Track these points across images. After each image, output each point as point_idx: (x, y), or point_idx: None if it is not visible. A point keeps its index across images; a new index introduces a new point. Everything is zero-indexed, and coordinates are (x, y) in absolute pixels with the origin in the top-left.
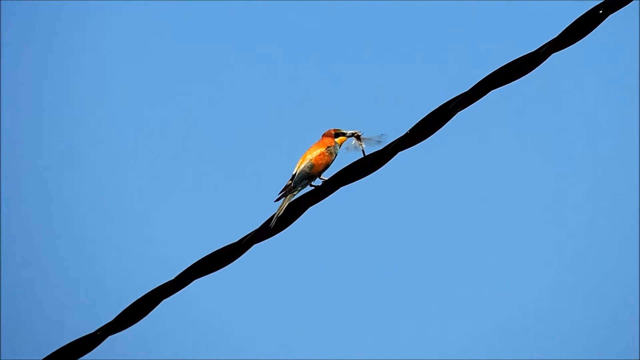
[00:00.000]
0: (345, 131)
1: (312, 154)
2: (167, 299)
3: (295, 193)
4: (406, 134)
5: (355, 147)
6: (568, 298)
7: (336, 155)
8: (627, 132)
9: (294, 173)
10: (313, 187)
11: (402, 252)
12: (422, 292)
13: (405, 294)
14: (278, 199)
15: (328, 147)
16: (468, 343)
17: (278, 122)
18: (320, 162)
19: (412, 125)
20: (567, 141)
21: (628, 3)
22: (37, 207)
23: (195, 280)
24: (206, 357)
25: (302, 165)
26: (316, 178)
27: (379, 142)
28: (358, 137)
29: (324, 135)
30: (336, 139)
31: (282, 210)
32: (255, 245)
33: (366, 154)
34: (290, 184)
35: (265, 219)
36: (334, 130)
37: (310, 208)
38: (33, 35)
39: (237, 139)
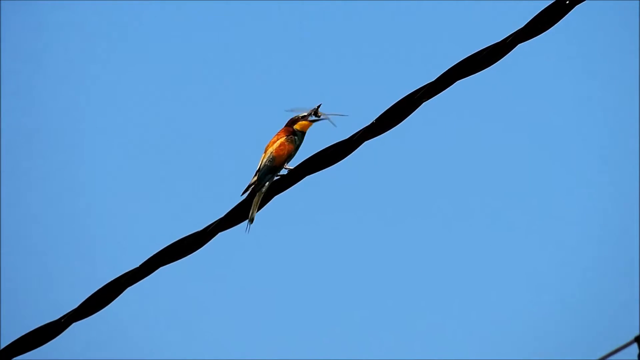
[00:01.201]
0: (304, 114)
1: (273, 147)
2: (131, 286)
3: (262, 189)
4: (372, 123)
5: (321, 119)
6: (566, 297)
7: (298, 142)
8: (601, 120)
9: (258, 168)
10: (279, 177)
11: (365, 240)
12: (390, 281)
13: (371, 282)
14: (245, 196)
15: (288, 136)
16: (441, 337)
17: (242, 110)
18: (281, 153)
19: (378, 115)
20: (533, 131)
21: None
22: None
23: (161, 269)
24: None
25: (265, 160)
26: (281, 169)
27: (341, 115)
28: (316, 114)
29: (287, 125)
30: (295, 126)
31: (255, 210)
32: (220, 234)
33: (334, 123)
34: (256, 181)
35: (231, 208)
36: (294, 118)
37: (276, 197)
38: (33, 35)
39: (202, 127)
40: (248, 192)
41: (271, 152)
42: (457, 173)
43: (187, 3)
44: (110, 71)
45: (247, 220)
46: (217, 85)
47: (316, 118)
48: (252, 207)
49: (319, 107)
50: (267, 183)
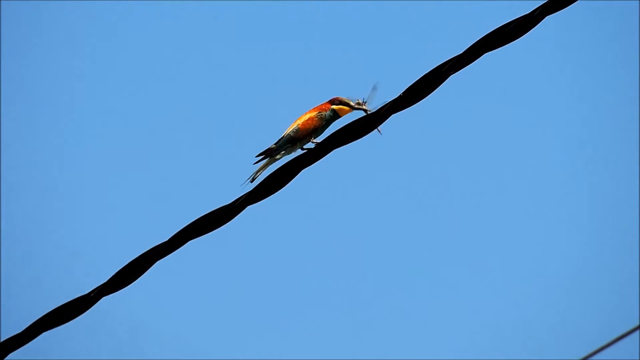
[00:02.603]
0: (349, 102)
1: (301, 119)
2: (160, 260)
3: (277, 157)
4: (399, 96)
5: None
6: (567, 296)
7: (326, 121)
8: (627, 101)
9: (281, 136)
10: (305, 150)
11: (391, 213)
12: (415, 258)
13: (394, 257)
14: (258, 162)
15: (320, 112)
16: (456, 339)
17: (275, 85)
18: (306, 127)
19: (405, 88)
20: (561, 104)
21: None
22: (30, 175)
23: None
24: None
25: (289, 130)
26: (305, 142)
27: (374, 90)
28: (363, 108)
29: (328, 101)
30: (334, 106)
31: (260, 172)
32: (249, 207)
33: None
34: (274, 147)
35: (259, 182)
36: (338, 98)
37: (303, 170)
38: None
39: (234, 100)
40: (262, 156)
41: (297, 124)
42: (479, 144)
43: (190, 3)
44: (114, 67)
45: (264, 185)
46: (248, 55)
47: (358, 108)
48: (259, 168)
49: (365, 102)
50: (283, 152)
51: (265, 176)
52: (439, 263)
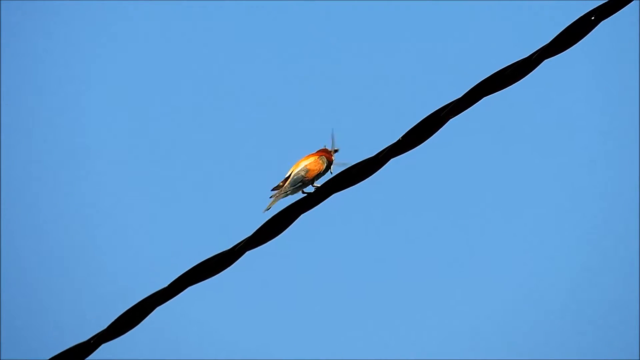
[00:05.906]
0: (331, 150)
1: (307, 161)
2: (160, 306)
3: (287, 193)
4: (398, 140)
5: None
6: (567, 297)
7: (327, 167)
8: (624, 135)
9: (287, 175)
10: (305, 194)
11: (395, 258)
12: (416, 301)
13: (399, 301)
14: (272, 196)
15: (321, 156)
16: (463, 343)
17: (267, 129)
18: (314, 168)
19: (405, 132)
20: (561, 147)
21: (620, 9)
22: (27, 212)
23: (189, 288)
24: None
25: (298, 169)
26: (308, 184)
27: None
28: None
29: (321, 150)
30: (327, 155)
31: (273, 204)
32: (248, 252)
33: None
34: (283, 184)
35: (258, 226)
36: (326, 149)
37: (302, 215)
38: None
39: (226, 144)
40: (274, 192)
41: (305, 165)
42: (480, 187)
43: (205, 3)
44: (125, 76)
45: (267, 208)
46: (235, 100)
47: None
48: (272, 200)
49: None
50: (288, 192)
51: (265, 221)
52: (439, 271)
